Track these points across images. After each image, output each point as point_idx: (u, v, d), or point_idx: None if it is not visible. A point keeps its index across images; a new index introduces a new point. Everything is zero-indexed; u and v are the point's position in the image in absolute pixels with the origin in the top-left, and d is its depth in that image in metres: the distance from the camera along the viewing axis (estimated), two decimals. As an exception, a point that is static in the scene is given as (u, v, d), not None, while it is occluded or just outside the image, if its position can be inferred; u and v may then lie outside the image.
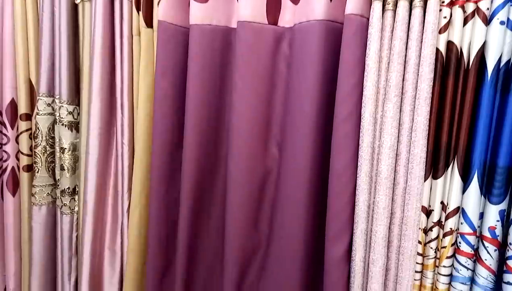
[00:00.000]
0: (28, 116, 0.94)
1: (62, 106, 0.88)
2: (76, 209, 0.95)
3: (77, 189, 0.94)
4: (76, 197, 0.95)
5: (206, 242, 0.84)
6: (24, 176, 0.96)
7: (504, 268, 0.58)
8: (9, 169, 0.96)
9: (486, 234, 0.59)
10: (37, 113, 0.90)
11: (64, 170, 0.92)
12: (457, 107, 0.60)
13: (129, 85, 0.86)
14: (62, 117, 0.89)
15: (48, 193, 0.96)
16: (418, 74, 0.61)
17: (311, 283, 0.78)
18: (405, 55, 0.62)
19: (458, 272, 0.61)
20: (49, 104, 0.91)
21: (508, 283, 0.58)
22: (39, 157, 0.93)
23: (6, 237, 0.98)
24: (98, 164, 0.88)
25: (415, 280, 0.65)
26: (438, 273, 0.64)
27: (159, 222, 0.83)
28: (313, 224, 0.74)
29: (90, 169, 0.87)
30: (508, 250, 0.58)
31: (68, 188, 0.93)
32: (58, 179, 0.93)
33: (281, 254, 0.78)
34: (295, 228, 0.74)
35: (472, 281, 0.62)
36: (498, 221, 0.58)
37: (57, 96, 0.88)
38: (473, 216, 0.60)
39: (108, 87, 0.87)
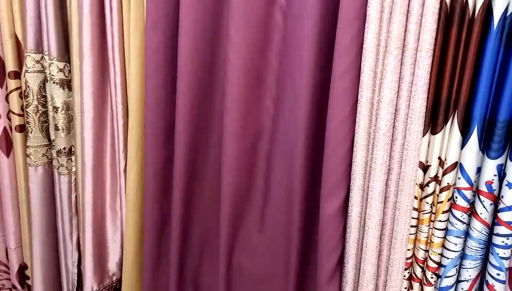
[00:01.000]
0: (17, 74, 0.90)
1: (52, 63, 0.85)
2: (74, 169, 0.95)
3: (73, 149, 0.93)
4: (73, 157, 0.94)
5: (201, 198, 0.85)
6: (17, 137, 0.94)
7: (495, 221, 0.59)
8: (1, 129, 0.94)
9: (483, 188, 0.59)
10: (26, 71, 0.87)
11: (58, 129, 0.90)
12: (459, 59, 0.58)
13: (120, 41, 0.83)
14: (53, 75, 0.86)
15: (43, 153, 0.95)
16: (420, 25, 0.58)
17: (306, 239, 0.79)
18: (408, 5, 0.59)
19: (453, 226, 0.62)
20: (38, 61, 0.88)
21: (497, 234, 0.59)
22: (31, 116, 0.91)
23: (3, 198, 0.98)
24: (93, 123, 0.87)
25: (410, 234, 0.66)
26: (433, 227, 0.64)
27: (155, 179, 0.83)
28: (309, 179, 0.74)
29: (86, 129, 0.86)
30: (499, 203, 0.58)
31: (64, 148, 0.92)
32: (53, 139, 0.92)
33: (277, 209, 0.79)
34: (291, 184, 0.74)
35: (467, 234, 0.62)
36: (495, 175, 0.58)
37: (46, 53, 0.85)
38: (471, 171, 0.59)
39: (99, 44, 0.84)
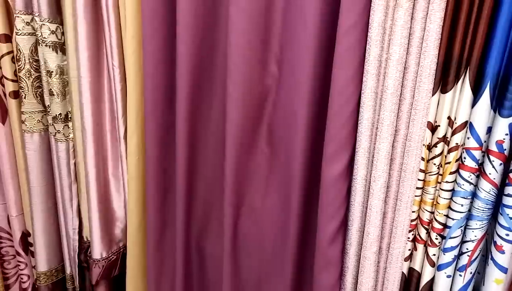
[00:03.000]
0: (7, 38, 0.87)
1: (44, 24, 0.81)
2: (71, 136, 0.93)
3: (69, 115, 0.91)
4: (70, 124, 0.92)
5: (205, 163, 0.83)
6: (11, 103, 0.92)
7: (507, 181, 0.58)
8: (-5, 95, 0.92)
9: (493, 148, 0.57)
10: (16, 33, 0.84)
11: (53, 95, 0.87)
12: (474, 12, 0.55)
13: (115, 0, 0.79)
14: (44, 38, 0.82)
15: (38, 119, 0.93)
16: (433, -24, 0.55)
17: (310, 203, 0.79)
18: (421, -46, 0.55)
19: (460, 187, 0.61)
20: (28, 23, 0.84)
21: (508, 195, 0.58)
22: (24, 81, 0.88)
23: (2, 167, 0.97)
24: (91, 88, 0.84)
25: (415, 196, 0.65)
26: (440, 188, 0.63)
27: (157, 146, 0.82)
28: (313, 142, 0.72)
29: (84, 94, 0.83)
30: (512, 163, 0.57)
31: (60, 114, 0.90)
32: (48, 105, 0.89)
33: (280, 174, 0.78)
34: (294, 148, 0.73)
35: (473, 195, 0.62)
36: (507, 134, 0.56)
37: (36, 14, 0.81)
38: (481, 131, 0.58)
39: (93, 4, 0.80)
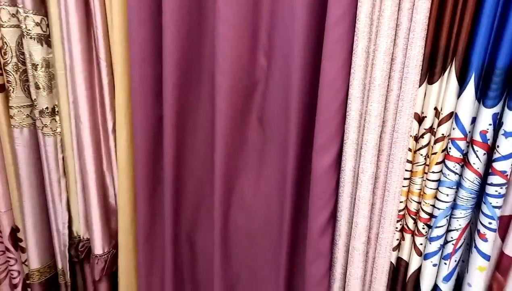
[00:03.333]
0: (-8, 30, 0.85)
1: (28, 16, 0.80)
2: (59, 130, 0.92)
3: (56, 109, 0.90)
4: (57, 118, 0.91)
5: (194, 156, 0.83)
6: (-2, 97, 0.90)
7: (490, 171, 0.59)
8: (-19, 89, 0.90)
9: (477, 138, 0.58)
10: (1, 26, 0.82)
11: (39, 88, 0.86)
12: (459, 3, 0.56)
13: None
14: (29, 30, 0.81)
15: (27, 114, 0.91)
16: (420, -33, 0.55)
17: (300, 194, 0.79)
18: None
19: (446, 177, 0.62)
20: (13, 15, 0.82)
21: (491, 184, 0.59)
22: (11, 75, 0.86)
23: (-11, 161, 0.96)
24: (85, 81, 0.83)
25: (403, 186, 0.66)
26: (426, 179, 0.64)
27: (146, 140, 0.81)
28: (302, 134, 0.73)
29: (79, 87, 0.82)
30: (495, 153, 0.58)
31: (47, 108, 0.89)
32: (34, 99, 0.88)
33: (271, 165, 0.78)
34: (285, 139, 0.73)
35: (458, 185, 0.62)
36: (490, 124, 0.57)
37: (20, 5, 0.79)
38: (466, 121, 0.58)
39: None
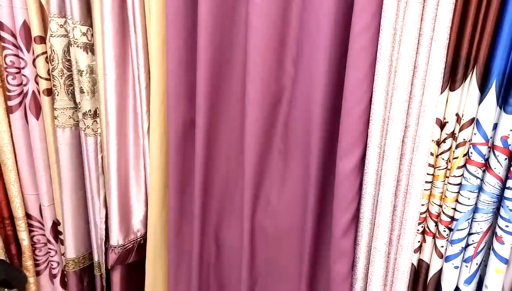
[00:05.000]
0: (42, 39, 0.93)
1: (75, 27, 0.87)
2: (99, 131, 0.99)
3: (98, 111, 0.97)
4: (98, 119, 0.98)
5: (222, 158, 0.88)
6: (45, 100, 0.98)
7: (508, 175, 0.60)
8: (30, 93, 0.98)
9: (498, 143, 0.60)
10: (51, 35, 0.90)
11: (83, 92, 0.94)
12: (481, 13, 0.58)
13: (141, 3, 0.84)
14: (76, 39, 0.88)
15: (69, 115, 0.99)
16: (442, -21, 0.58)
17: (323, 197, 0.82)
18: (430, -42, 0.58)
19: (467, 181, 0.64)
20: (61, 26, 0.90)
21: (509, 188, 0.60)
22: (57, 80, 0.94)
23: (35, 159, 1.04)
24: (116, 85, 0.90)
25: (425, 190, 0.68)
26: (448, 183, 0.66)
27: (178, 140, 0.87)
28: (327, 139, 0.76)
29: (109, 91, 0.89)
30: (515, 158, 0.59)
31: (89, 110, 0.96)
32: (79, 102, 0.96)
33: (295, 169, 0.82)
34: (309, 143, 0.77)
35: (480, 188, 0.64)
36: (511, 130, 0.59)
37: (69, 17, 0.87)
38: (487, 127, 0.60)
39: (119, 7, 0.86)
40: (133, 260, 1.05)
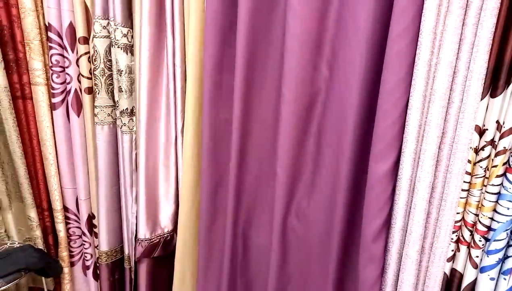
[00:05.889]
0: (85, 40, 0.98)
1: (117, 28, 0.91)
2: (135, 129, 1.03)
3: (134, 110, 1.01)
4: (134, 118, 1.02)
5: (255, 157, 0.89)
6: (86, 98, 1.03)
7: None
8: (72, 91, 1.03)
9: (542, 152, 0.58)
10: (94, 36, 0.94)
11: (122, 91, 0.97)
12: (527, 19, 0.56)
13: (180, 8, 0.87)
14: (117, 40, 0.92)
15: (108, 113, 1.03)
16: (486, -17, 0.57)
17: (354, 202, 0.82)
18: (474, -38, 0.57)
19: (506, 190, 0.62)
20: (104, 27, 0.94)
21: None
22: (98, 79, 0.99)
23: (75, 154, 1.09)
24: (148, 84, 0.93)
25: (460, 198, 0.67)
26: (485, 191, 0.65)
27: (212, 140, 0.89)
28: (360, 143, 0.76)
29: (142, 89, 0.92)
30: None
31: (127, 108, 1.00)
32: (117, 101, 1.00)
33: (326, 174, 0.82)
34: (342, 148, 0.77)
35: (520, 199, 0.62)
36: (556, 139, 0.57)
37: (111, 19, 0.91)
38: (530, 135, 0.58)
39: (157, 10, 0.89)
40: (159, 254, 1.08)
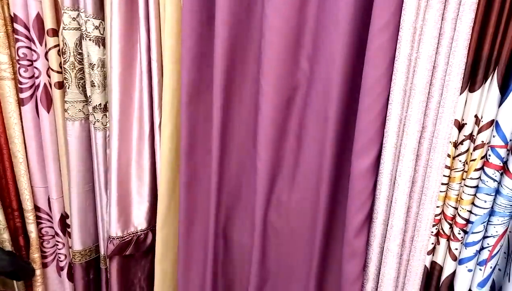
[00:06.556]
0: (55, 32, 0.93)
1: (88, 20, 0.87)
2: (108, 125, 0.98)
3: (108, 106, 0.97)
4: (107, 113, 0.98)
5: (234, 155, 0.87)
6: (56, 93, 0.98)
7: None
8: (41, 85, 0.98)
9: (518, 146, 0.59)
10: (63, 28, 0.90)
11: (94, 86, 0.93)
12: (504, 14, 0.57)
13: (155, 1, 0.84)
14: (88, 32, 0.88)
15: (80, 109, 0.99)
16: (465, -22, 0.57)
17: (335, 196, 0.81)
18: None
19: (484, 183, 0.63)
20: (74, 19, 0.90)
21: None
22: (68, 73, 0.94)
23: (45, 152, 1.04)
24: (120, 79, 0.89)
25: (440, 191, 0.67)
26: (464, 185, 0.65)
27: (190, 136, 0.86)
28: (341, 138, 0.75)
29: (114, 84, 0.89)
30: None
31: (100, 104, 0.96)
32: (89, 96, 0.95)
33: (307, 167, 0.81)
34: (323, 142, 0.76)
35: (497, 192, 0.63)
36: (532, 133, 0.58)
37: (82, 10, 0.87)
38: (507, 129, 0.59)
39: (128, 2, 0.85)
40: (131, 252, 1.04)
